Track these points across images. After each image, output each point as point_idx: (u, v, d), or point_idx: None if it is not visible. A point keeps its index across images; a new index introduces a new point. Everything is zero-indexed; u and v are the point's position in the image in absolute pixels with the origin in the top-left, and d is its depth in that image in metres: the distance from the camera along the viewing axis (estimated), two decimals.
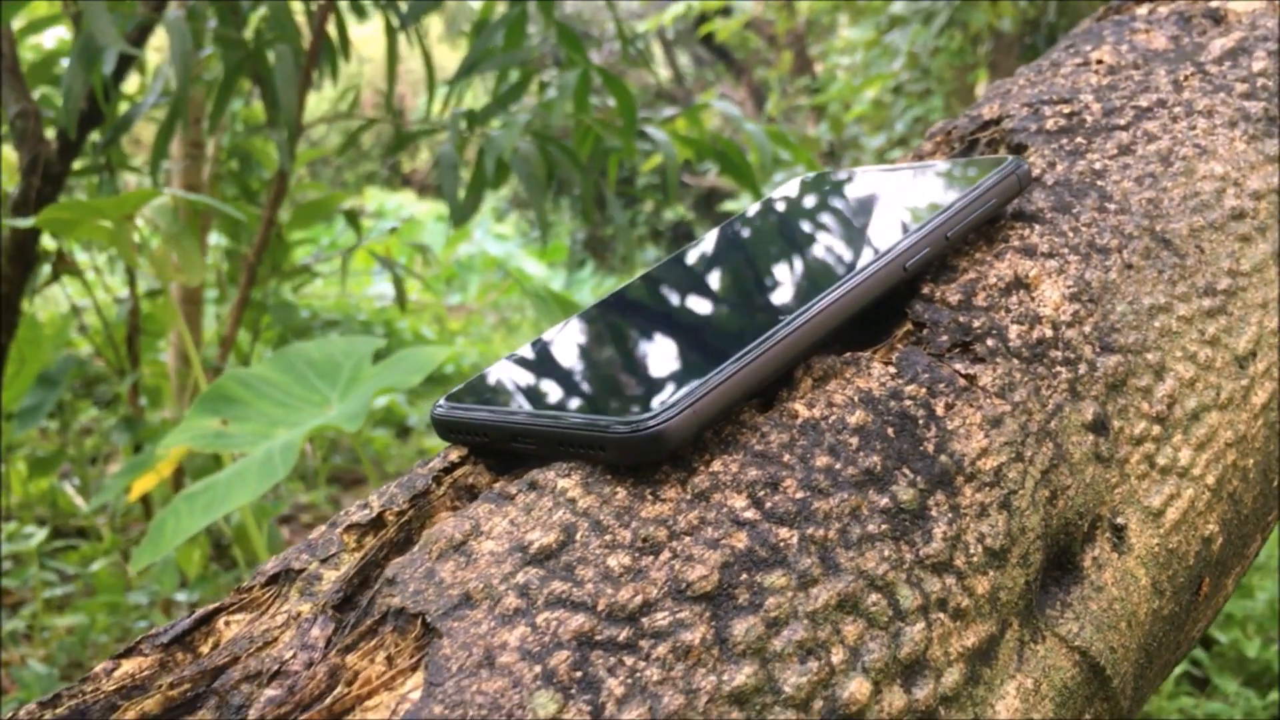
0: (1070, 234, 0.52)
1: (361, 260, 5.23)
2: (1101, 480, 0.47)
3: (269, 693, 0.37)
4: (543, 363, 0.49)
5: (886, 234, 0.50)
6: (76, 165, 2.21)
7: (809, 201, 0.58)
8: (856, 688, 0.38)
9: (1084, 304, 0.50)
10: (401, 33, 2.20)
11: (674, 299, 0.52)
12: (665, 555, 0.39)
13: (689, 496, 0.41)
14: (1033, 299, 0.49)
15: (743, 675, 0.37)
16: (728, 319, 0.48)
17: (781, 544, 0.40)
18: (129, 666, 0.41)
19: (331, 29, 2.11)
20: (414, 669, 0.36)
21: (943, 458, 0.44)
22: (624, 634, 0.37)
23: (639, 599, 0.37)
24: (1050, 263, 0.51)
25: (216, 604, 0.43)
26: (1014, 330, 0.48)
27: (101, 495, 1.68)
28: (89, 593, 2.07)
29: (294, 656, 0.39)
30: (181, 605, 1.83)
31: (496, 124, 2.22)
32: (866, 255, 0.48)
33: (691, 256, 0.55)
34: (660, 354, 0.47)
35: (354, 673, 0.37)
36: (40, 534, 1.88)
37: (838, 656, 0.38)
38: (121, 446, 2.50)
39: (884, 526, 0.41)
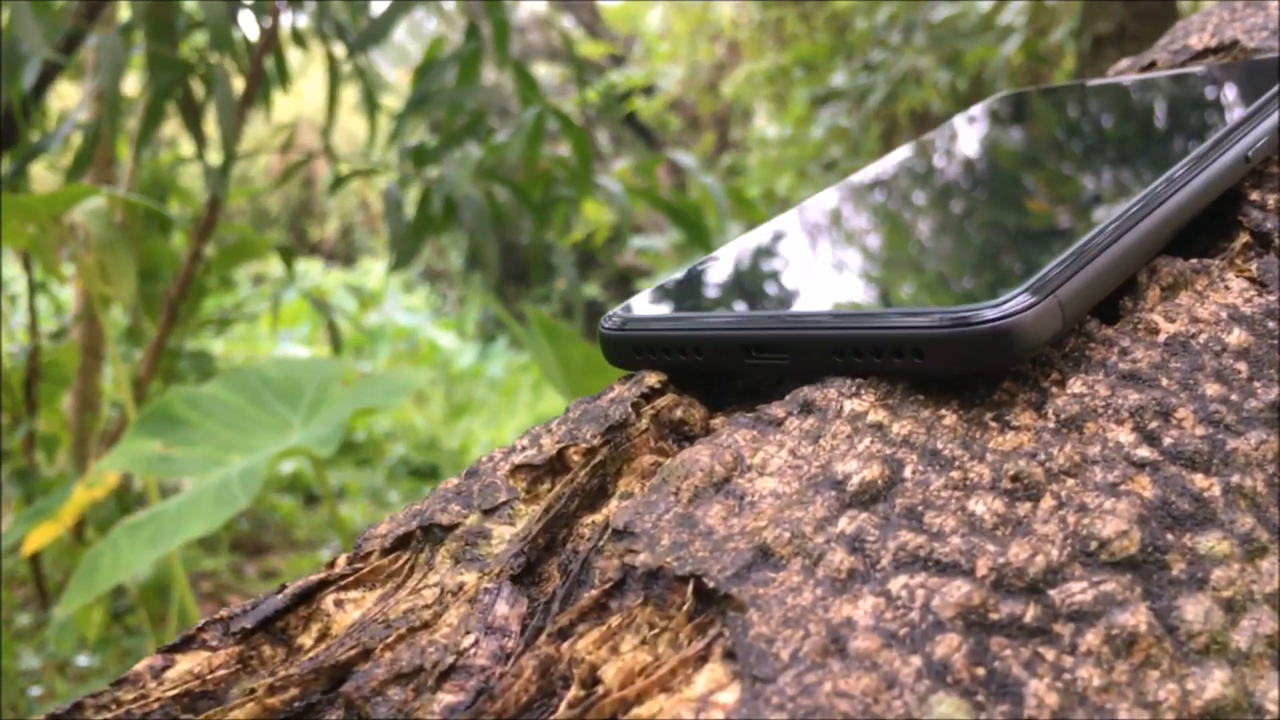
0: None
1: (266, 322, 5.01)
2: None
3: (445, 699, 0.23)
4: (777, 256, 0.35)
5: (1201, 127, 0.38)
6: None
7: (1074, 99, 0.45)
8: None
9: None
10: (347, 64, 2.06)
11: (961, 179, 0.39)
12: (1049, 502, 0.25)
13: (1053, 425, 0.27)
14: None
15: (1216, 684, 0.23)
16: (1054, 200, 0.35)
17: (1204, 495, 0.26)
18: (190, 664, 0.26)
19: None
20: (703, 658, 0.22)
21: None
22: (1030, 612, 0.23)
23: (1039, 560, 0.24)
24: None
25: (318, 576, 0.28)
26: None
27: None
28: None
29: (475, 646, 0.24)
30: (80, 670, 1.63)
31: (438, 169, 2.09)
32: (1193, 146, 0.35)
33: (954, 136, 0.42)
34: (972, 238, 0.34)
35: (588, 667, 0.23)
36: None
37: None
38: (13, 501, 2.28)
39: None
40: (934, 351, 0.27)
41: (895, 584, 0.23)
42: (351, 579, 0.28)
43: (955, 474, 0.26)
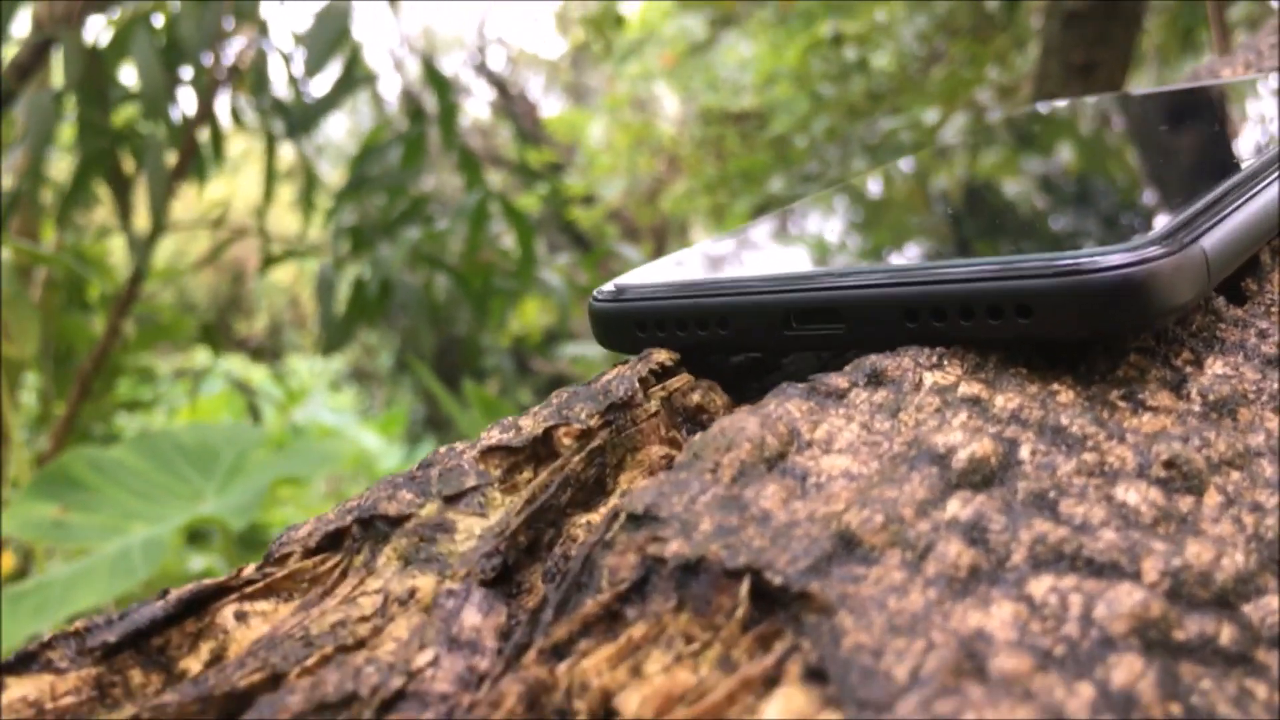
0: None
1: (185, 415, 4.88)
2: None
3: None
4: (822, 216, 0.29)
5: None
6: None
7: (1155, 98, 0.40)
8: None
9: None
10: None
11: (1040, 154, 0.33)
12: (1216, 497, 0.19)
13: (1198, 408, 0.21)
14: None
15: None
16: (1160, 167, 0.29)
17: None
18: (26, 690, 0.18)
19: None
20: (772, 680, 0.15)
21: None
22: (1227, 634, 0.16)
23: (1227, 566, 0.17)
24: None
25: (214, 581, 0.21)
26: None
27: None
28: None
29: (433, 666, 0.17)
30: None
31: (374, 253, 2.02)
32: None
33: (1026, 119, 0.36)
34: (1069, 189, 0.28)
35: (599, 694, 0.16)
36: None
37: None
38: None
39: None
40: (1044, 309, 0.21)
41: (1038, 587, 0.16)
42: (261, 585, 0.20)
43: (1089, 456, 0.19)
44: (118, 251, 2.82)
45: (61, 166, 2.12)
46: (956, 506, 0.18)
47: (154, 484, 0.93)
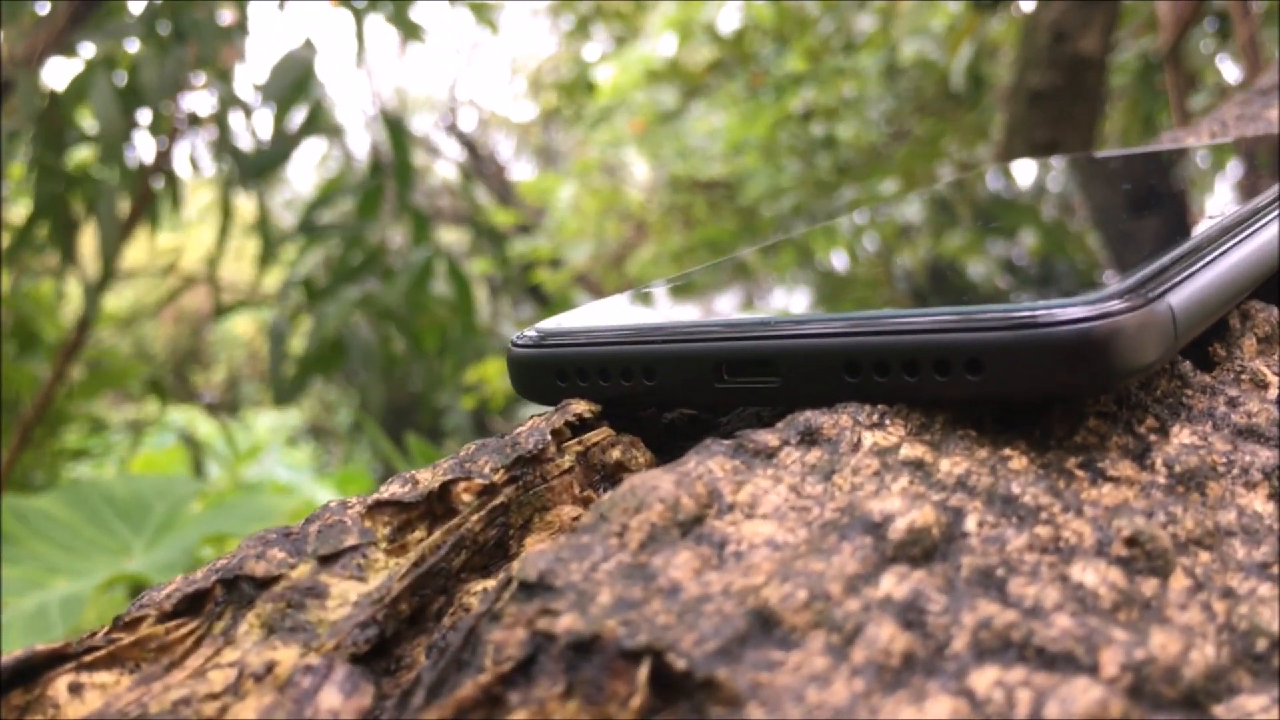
0: None
1: (137, 465, 4.80)
2: None
3: None
4: (763, 265, 0.27)
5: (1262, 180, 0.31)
6: None
7: (1117, 160, 0.38)
8: None
9: None
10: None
11: (999, 208, 0.31)
12: (1184, 580, 0.17)
13: (1164, 480, 0.19)
14: None
15: None
16: (1139, 220, 0.27)
17: None
18: None
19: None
20: None
21: None
22: None
23: (1196, 660, 0.15)
24: None
25: (49, 647, 0.18)
26: None
27: None
28: None
29: None
30: None
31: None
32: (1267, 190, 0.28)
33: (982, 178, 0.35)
34: (1030, 246, 0.26)
35: None
36: None
37: None
38: None
39: None
40: (996, 365, 0.19)
41: (981, 679, 0.14)
42: (103, 653, 0.18)
43: (1043, 530, 0.17)
44: (74, 298, 2.78)
45: (18, 211, 2.09)
46: (891, 583, 0.15)
47: (79, 537, 0.90)
